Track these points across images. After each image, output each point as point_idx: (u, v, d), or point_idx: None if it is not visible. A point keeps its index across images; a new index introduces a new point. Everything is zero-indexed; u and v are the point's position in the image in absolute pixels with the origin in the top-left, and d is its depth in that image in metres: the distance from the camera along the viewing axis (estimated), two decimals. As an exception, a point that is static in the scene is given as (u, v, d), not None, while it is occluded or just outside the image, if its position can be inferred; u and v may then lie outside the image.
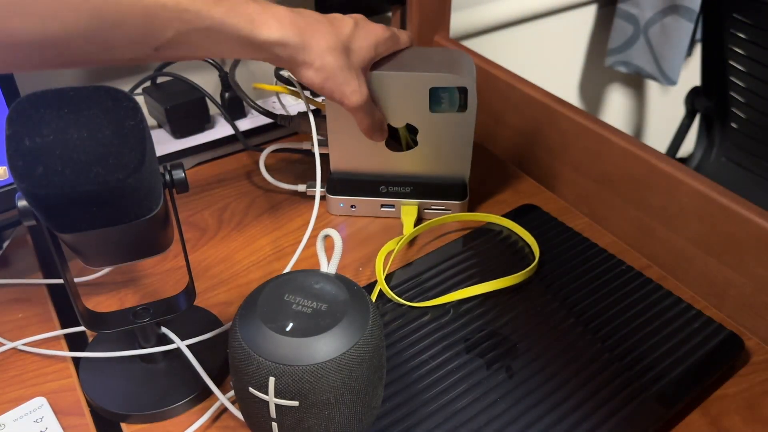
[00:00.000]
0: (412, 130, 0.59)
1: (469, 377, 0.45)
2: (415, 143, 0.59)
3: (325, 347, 0.34)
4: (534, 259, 0.55)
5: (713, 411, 0.45)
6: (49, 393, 0.46)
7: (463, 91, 0.55)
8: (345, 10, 0.52)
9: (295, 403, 0.34)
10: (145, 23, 0.37)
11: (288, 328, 0.34)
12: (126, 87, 0.71)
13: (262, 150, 0.67)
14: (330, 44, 0.48)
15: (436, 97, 0.55)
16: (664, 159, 0.55)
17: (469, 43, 1.00)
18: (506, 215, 0.61)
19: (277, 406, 0.34)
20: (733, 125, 1.10)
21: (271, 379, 0.34)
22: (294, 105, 0.76)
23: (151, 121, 0.73)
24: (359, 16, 0.52)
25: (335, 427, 0.35)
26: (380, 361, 0.37)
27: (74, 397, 0.46)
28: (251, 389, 0.35)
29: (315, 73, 0.48)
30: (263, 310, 0.35)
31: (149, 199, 0.35)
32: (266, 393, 0.34)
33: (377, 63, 0.55)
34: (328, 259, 0.39)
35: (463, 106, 0.56)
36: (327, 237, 0.39)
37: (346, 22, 0.50)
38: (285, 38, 0.45)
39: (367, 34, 0.51)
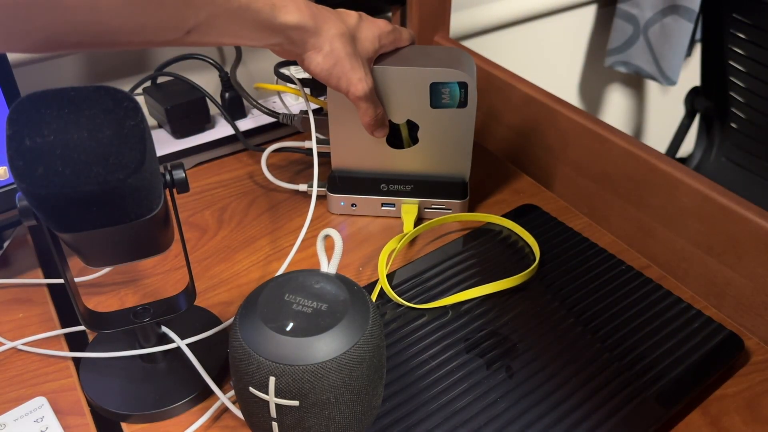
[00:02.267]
0: (412, 128, 0.59)
1: (468, 377, 0.45)
2: (416, 141, 0.59)
3: (326, 347, 0.34)
4: (534, 259, 0.55)
5: (713, 411, 0.45)
6: (49, 393, 0.46)
7: (463, 87, 0.55)
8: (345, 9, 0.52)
9: (296, 403, 0.34)
10: (185, 3, 0.38)
11: (288, 328, 0.34)
12: (126, 87, 0.71)
13: (262, 150, 0.67)
14: (339, 31, 0.49)
15: (436, 93, 0.56)
16: (663, 159, 0.55)
17: (469, 44, 1.00)
18: (506, 215, 0.61)
19: (277, 405, 0.34)
20: (733, 125, 1.10)
21: (272, 379, 0.34)
22: (295, 104, 0.76)
23: (151, 121, 0.73)
24: (362, 12, 0.53)
25: (335, 427, 0.36)
26: (380, 360, 0.37)
27: (74, 396, 0.46)
28: (251, 389, 0.35)
29: (324, 59, 0.49)
30: (263, 310, 0.35)
31: (149, 199, 0.35)
32: (266, 393, 0.34)
33: (378, 58, 0.55)
34: (329, 258, 0.39)
35: (463, 103, 0.56)
36: (327, 237, 0.39)
37: (352, 14, 0.52)
38: (302, 22, 0.46)
39: (371, 26, 0.53)
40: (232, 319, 0.42)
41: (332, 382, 0.34)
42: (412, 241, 0.61)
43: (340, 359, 0.34)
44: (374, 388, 0.37)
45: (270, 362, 0.33)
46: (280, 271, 0.56)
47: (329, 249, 0.57)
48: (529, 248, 0.57)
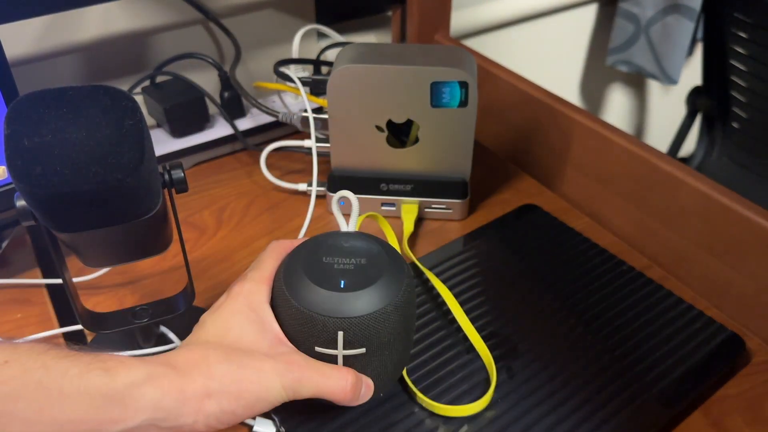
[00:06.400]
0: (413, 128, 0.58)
1: (469, 377, 0.45)
2: (416, 141, 0.59)
3: (382, 293, 0.37)
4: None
5: (714, 411, 0.45)
6: (48, 393, 0.46)
7: (464, 86, 0.55)
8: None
9: (362, 350, 0.37)
10: None
11: (342, 285, 0.37)
12: (125, 86, 0.71)
13: (262, 149, 0.67)
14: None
15: (437, 92, 0.55)
16: (665, 159, 0.55)
17: (469, 42, 1.00)
18: (506, 215, 0.61)
19: (345, 357, 0.37)
20: (735, 125, 1.10)
21: (340, 334, 0.36)
22: (295, 104, 0.75)
23: (150, 120, 0.73)
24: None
25: (392, 365, 0.39)
26: (415, 298, 0.41)
27: (73, 397, 0.46)
28: (318, 348, 0.37)
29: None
30: (310, 274, 0.38)
31: (148, 198, 0.35)
32: (335, 348, 0.37)
33: (379, 58, 0.55)
34: (347, 220, 0.42)
35: (464, 102, 0.56)
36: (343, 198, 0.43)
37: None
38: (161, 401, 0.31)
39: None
40: (273, 292, 0.39)
41: (393, 323, 0.37)
42: (412, 242, 0.60)
43: (397, 302, 0.37)
44: (414, 323, 0.41)
45: (336, 319, 0.36)
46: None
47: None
48: (529, 248, 0.57)
